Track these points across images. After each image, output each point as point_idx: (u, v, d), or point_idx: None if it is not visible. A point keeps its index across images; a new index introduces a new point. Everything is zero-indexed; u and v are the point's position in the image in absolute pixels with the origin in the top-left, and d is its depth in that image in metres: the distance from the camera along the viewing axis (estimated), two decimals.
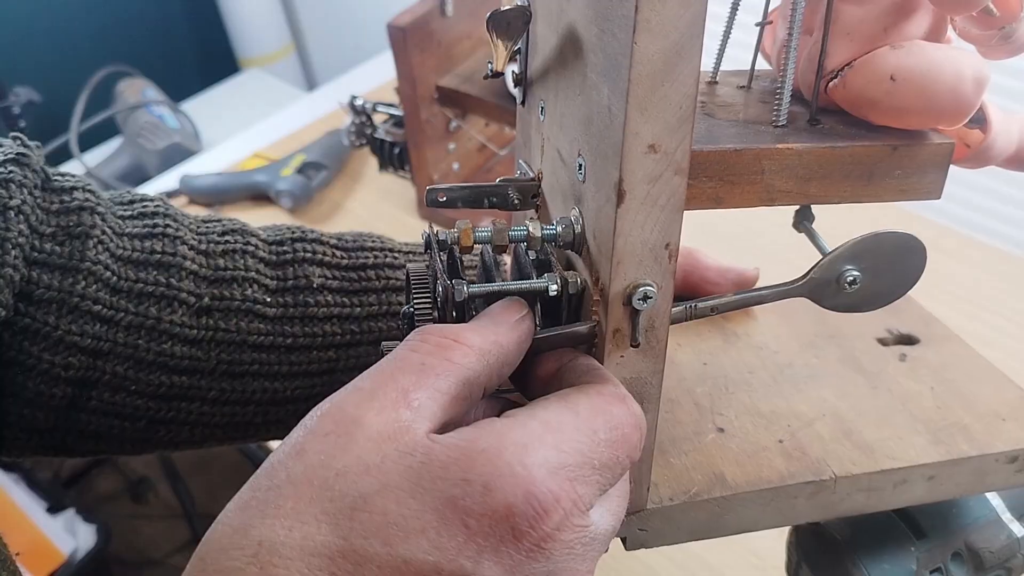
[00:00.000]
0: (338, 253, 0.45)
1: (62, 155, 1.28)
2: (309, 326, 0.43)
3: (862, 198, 0.31)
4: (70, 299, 0.39)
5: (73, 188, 0.41)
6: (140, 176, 1.24)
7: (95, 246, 0.40)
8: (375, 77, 1.27)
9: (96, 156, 1.32)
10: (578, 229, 0.30)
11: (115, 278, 0.40)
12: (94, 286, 0.39)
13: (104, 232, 0.40)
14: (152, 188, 1.11)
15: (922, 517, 0.40)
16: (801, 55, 0.32)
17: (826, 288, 0.32)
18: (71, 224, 0.40)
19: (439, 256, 0.32)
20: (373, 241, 0.47)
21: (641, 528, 0.34)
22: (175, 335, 0.41)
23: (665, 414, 0.38)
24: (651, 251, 0.27)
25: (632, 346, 0.29)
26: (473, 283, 0.31)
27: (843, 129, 0.31)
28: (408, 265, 0.34)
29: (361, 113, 0.99)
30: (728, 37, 0.35)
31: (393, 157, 0.97)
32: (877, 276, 0.32)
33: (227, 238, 0.44)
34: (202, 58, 1.89)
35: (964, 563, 0.40)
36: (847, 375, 0.41)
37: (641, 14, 0.23)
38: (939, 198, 0.32)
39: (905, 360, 0.43)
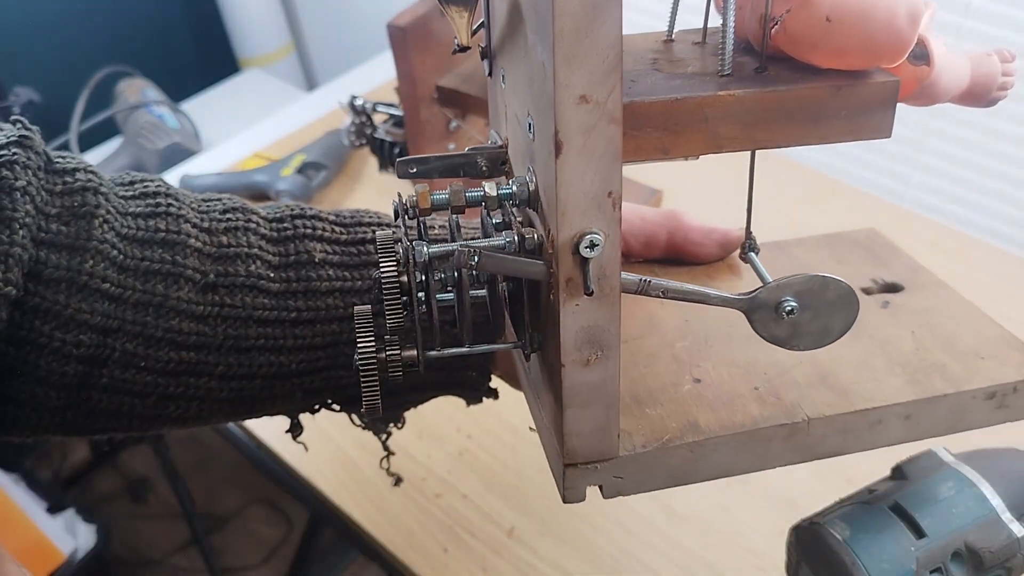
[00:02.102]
0: (337, 229, 0.46)
1: None
2: (312, 300, 0.44)
3: (810, 140, 0.32)
4: (79, 278, 0.39)
5: (75, 169, 0.41)
6: None
7: (100, 225, 0.40)
8: (375, 77, 1.27)
9: (96, 156, 1.32)
10: (532, 186, 0.31)
11: (122, 256, 0.40)
12: (102, 264, 0.40)
13: (108, 212, 0.41)
14: None
15: (922, 517, 0.40)
16: (746, 4, 0.33)
17: (764, 309, 0.33)
18: (76, 204, 0.40)
19: (406, 222, 0.33)
20: (370, 216, 0.47)
21: (616, 476, 0.35)
22: (182, 311, 0.41)
23: (643, 368, 0.39)
24: (594, 200, 0.28)
25: (586, 294, 0.30)
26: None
27: (789, 75, 0.32)
28: (377, 233, 0.35)
29: (361, 113, 0.99)
30: None
31: (393, 157, 0.97)
32: (810, 316, 0.33)
33: (228, 216, 0.44)
34: (202, 58, 1.89)
35: (964, 563, 0.40)
36: None
37: None
38: (889, 136, 0.32)
39: (888, 307, 0.43)
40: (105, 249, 0.40)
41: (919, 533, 0.40)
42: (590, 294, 0.30)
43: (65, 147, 1.25)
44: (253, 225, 0.44)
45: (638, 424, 0.36)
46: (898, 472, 0.43)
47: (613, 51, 0.26)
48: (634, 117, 0.29)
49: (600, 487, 0.35)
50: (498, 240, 0.32)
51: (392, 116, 0.98)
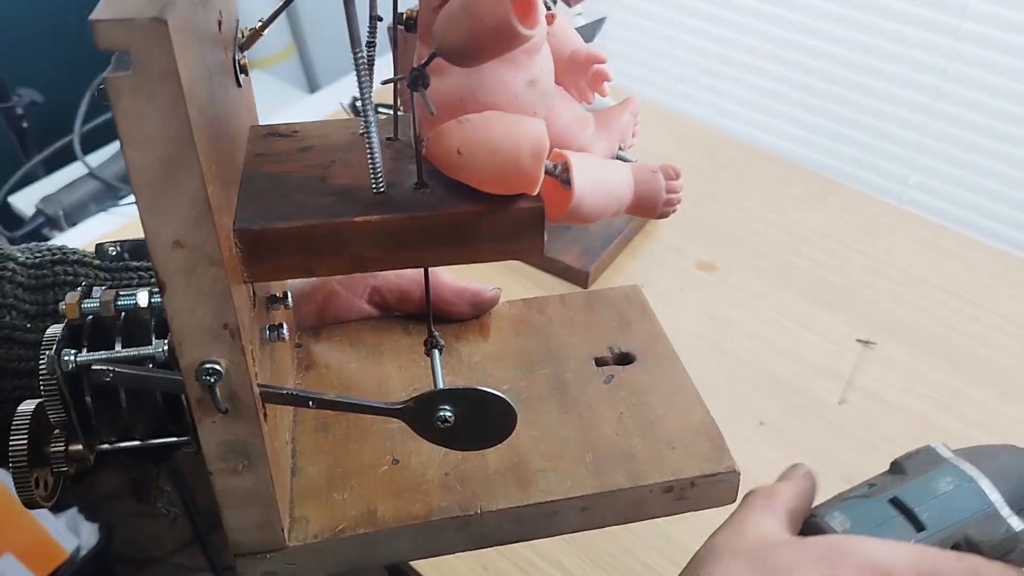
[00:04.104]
0: (100, 275, 0.45)
1: (65, 156, 1.28)
2: None
3: (460, 260, 0.32)
4: None
5: None
6: None
7: None
8: (376, 78, 1.28)
9: (99, 157, 1.32)
10: None
11: None
12: None
13: None
14: None
15: (921, 511, 0.41)
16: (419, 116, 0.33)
17: (421, 418, 0.34)
18: None
19: (66, 326, 0.34)
20: (138, 262, 0.47)
21: (289, 563, 0.35)
22: None
23: (352, 445, 0.39)
24: (210, 332, 0.29)
25: (220, 412, 0.30)
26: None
27: (442, 194, 0.32)
28: (51, 327, 0.34)
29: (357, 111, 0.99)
30: (368, 87, 0.35)
31: None
32: (468, 424, 0.34)
33: None
34: None
35: None
36: (545, 401, 0.42)
37: (122, 128, 0.25)
38: (541, 256, 0.32)
39: (610, 382, 0.43)
40: None
41: (919, 526, 0.40)
42: (224, 412, 0.30)
43: (68, 148, 1.25)
44: (8, 273, 0.43)
45: (320, 511, 0.36)
46: (897, 467, 0.43)
47: (200, 202, 0.26)
48: (270, 241, 0.30)
49: (275, 574, 0.36)
50: (148, 349, 0.33)
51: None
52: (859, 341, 0.83)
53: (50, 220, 1.18)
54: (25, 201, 1.32)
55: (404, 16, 0.31)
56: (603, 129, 0.36)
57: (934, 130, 1.07)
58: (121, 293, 0.34)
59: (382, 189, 0.32)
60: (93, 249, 0.45)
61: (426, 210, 0.31)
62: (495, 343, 0.45)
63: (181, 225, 0.27)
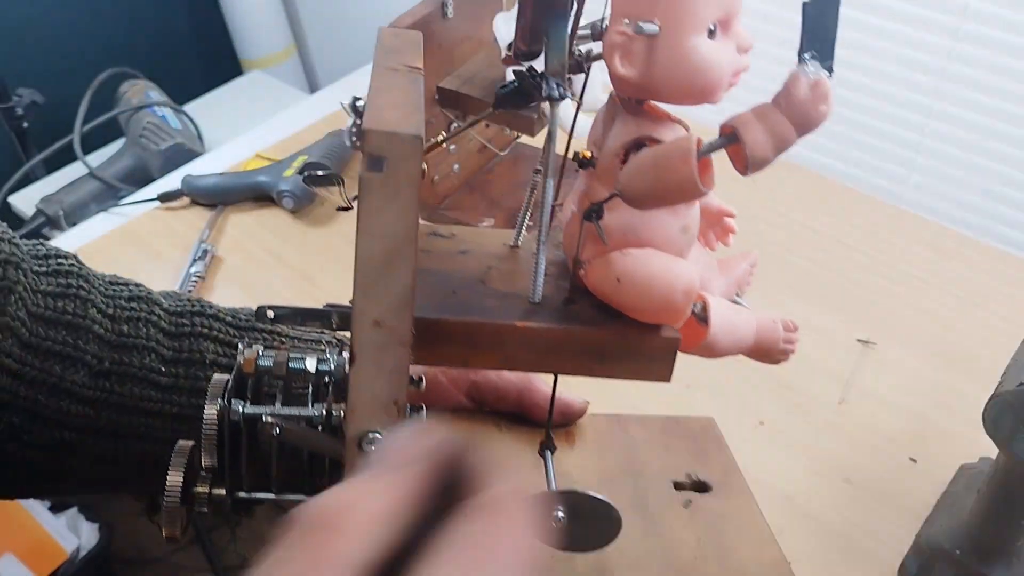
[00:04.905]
0: (231, 331, 0.48)
1: (65, 157, 1.29)
2: (195, 398, 0.45)
3: (596, 374, 0.35)
4: None
5: None
6: (143, 177, 1.25)
7: (16, 301, 0.41)
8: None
9: (99, 157, 1.32)
10: (346, 370, 0.33)
11: (28, 334, 0.41)
12: (9, 340, 0.41)
13: (25, 288, 0.42)
14: (155, 189, 1.12)
15: None
16: (571, 234, 0.36)
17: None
18: None
19: (234, 378, 0.37)
20: (264, 323, 0.49)
21: None
22: (74, 394, 0.42)
23: None
24: (381, 405, 0.31)
25: None
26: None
27: (590, 312, 0.35)
28: (216, 375, 0.37)
29: (362, 114, 0.99)
30: (528, 210, 0.37)
31: None
32: (575, 525, 0.36)
33: (133, 305, 0.46)
34: (204, 60, 1.90)
35: None
36: (628, 516, 0.45)
37: (362, 221, 0.28)
38: (668, 381, 0.35)
39: (688, 507, 0.46)
40: (15, 326, 0.41)
41: None
42: None
43: (68, 148, 1.25)
44: (155, 318, 0.46)
45: None
46: None
47: (406, 290, 0.29)
48: (439, 331, 0.33)
49: None
50: (308, 411, 0.35)
51: None
52: (859, 341, 0.84)
53: (50, 220, 1.18)
54: (25, 201, 1.32)
55: (579, 155, 0.34)
56: (724, 274, 0.40)
57: (934, 130, 1.07)
58: (292, 356, 0.37)
59: (537, 300, 0.35)
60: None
61: (579, 325, 0.34)
62: (580, 453, 0.48)
63: (386, 308, 0.30)
